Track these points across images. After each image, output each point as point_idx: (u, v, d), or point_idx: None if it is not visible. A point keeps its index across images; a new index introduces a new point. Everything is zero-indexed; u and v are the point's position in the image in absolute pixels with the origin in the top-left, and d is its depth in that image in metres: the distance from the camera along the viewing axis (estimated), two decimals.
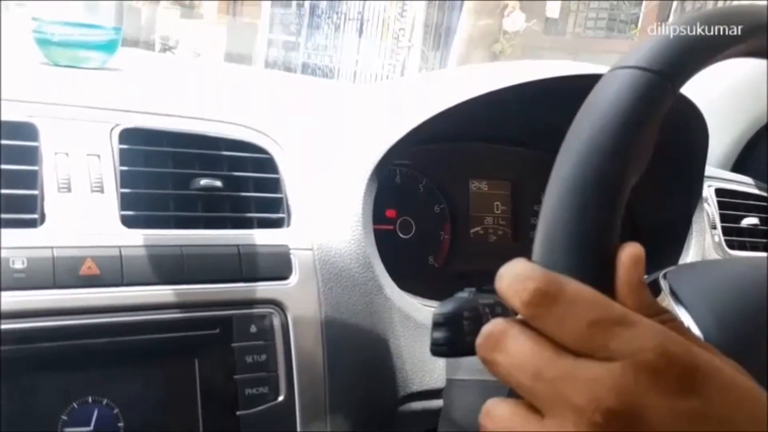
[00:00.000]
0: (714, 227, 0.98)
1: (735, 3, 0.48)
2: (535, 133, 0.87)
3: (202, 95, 0.77)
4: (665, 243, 0.91)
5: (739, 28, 0.42)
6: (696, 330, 0.46)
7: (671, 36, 0.41)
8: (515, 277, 0.33)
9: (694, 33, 0.41)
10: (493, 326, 0.34)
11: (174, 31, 9.18)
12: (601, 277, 0.34)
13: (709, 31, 0.41)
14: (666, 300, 0.51)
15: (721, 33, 0.42)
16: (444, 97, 0.75)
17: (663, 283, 0.51)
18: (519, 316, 0.33)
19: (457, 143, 0.92)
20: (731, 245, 0.99)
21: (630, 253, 0.34)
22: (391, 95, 0.91)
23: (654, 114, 0.37)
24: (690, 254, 0.91)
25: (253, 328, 0.61)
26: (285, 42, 9.29)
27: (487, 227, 0.94)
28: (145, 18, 9.44)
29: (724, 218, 0.99)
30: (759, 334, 0.46)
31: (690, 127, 0.84)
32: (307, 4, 8.82)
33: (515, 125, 0.91)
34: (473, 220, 0.93)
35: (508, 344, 0.33)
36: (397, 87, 1.00)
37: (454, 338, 0.47)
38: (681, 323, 0.38)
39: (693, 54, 0.40)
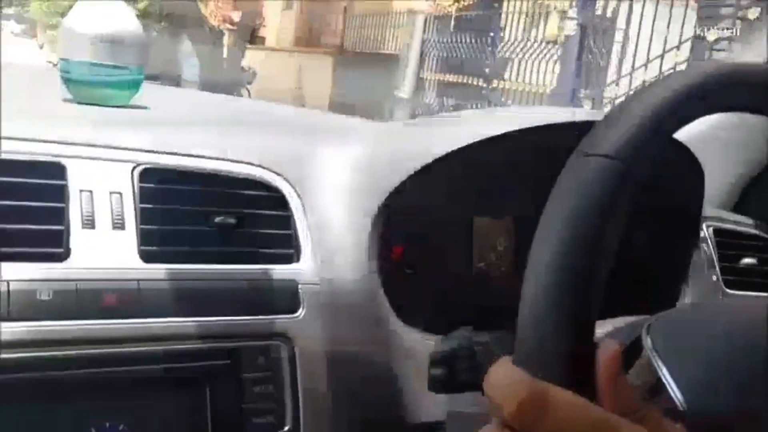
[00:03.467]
0: (712, 267, 1.00)
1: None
2: (539, 174, 0.90)
3: (221, 134, 0.81)
4: (664, 284, 0.94)
5: (702, 87, 0.43)
6: (678, 393, 0.47)
7: (636, 121, 0.41)
8: (503, 384, 0.35)
9: (652, 112, 0.42)
10: None
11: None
12: (583, 380, 0.36)
13: (667, 106, 0.42)
14: (649, 358, 0.52)
15: (677, 105, 0.43)
16: (447, 141, 0.79)
17: (645, 340, 0.52)
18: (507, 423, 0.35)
19: (462, 180, 0.95)
20: (729, 285, 1.01)
21: (607, 352, 0.36)
22: (400, 135, 0.94)
23: (620, 204, 0.37)
24: (689, 295, 0.93)
25: (262, 360, 0.64)
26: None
27: (490, 263, 0.97)
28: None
29: (722, 258, 1.02)
30: (733, 397, 0.47)
31: (685, 171, 0.86)
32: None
33: (520, 165, 0.94)
34: (476, 256, 0.96)
35: None
36: (407, 127, 1.04)
37: (450, 375, 0.50)
38: (659, 416, 0.40)
39: (656, 135, 0.41)
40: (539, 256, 0.37)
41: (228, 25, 10.81)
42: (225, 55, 10.81)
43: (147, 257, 0.63)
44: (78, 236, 0.61)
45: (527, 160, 0.89)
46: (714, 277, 0.99)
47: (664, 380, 0.48)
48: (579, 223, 0.37)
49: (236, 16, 10.76)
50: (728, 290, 1.00)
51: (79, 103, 0.88)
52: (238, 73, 9.67)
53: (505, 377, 0.35)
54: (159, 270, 0.63)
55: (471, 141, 0.78)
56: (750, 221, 1.13)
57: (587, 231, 0.36)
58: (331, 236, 0.73)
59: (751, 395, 0.47)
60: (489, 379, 0.36)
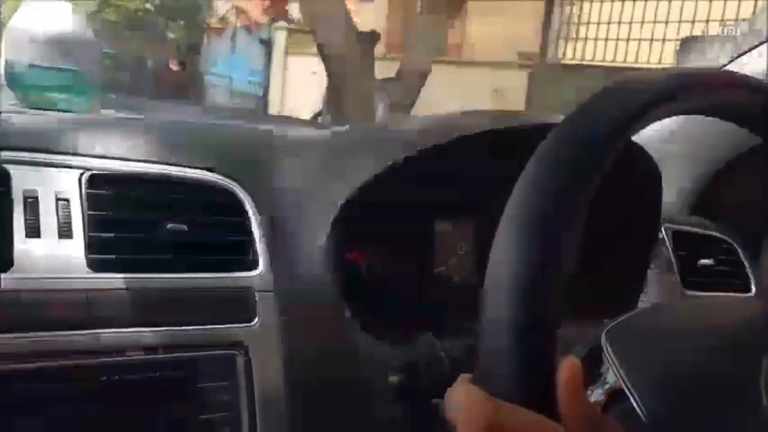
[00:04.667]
0: (671, 269, 1.01)
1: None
2: (500, 178, 0.90)
3: (175, 139, 0.79)
4: (623, 287, 0.94)
5: (665, 90, 0.44)
6: (637, 398, 0.47)
7: (597, 118, 0.41)
8: (464, 406, 0.35)
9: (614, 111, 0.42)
10: None
11: None
12: (545, 399, 0.36)
13: (635, 96, 0.43)
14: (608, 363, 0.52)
15: (646, 99, 0.43)
16: (411, 143, 0.78)
17: (604, 346, 0.52)
18: None
19: (422, 185, 0.94)
20: (688, 286, 1.02)
21: (567, 369, 0.36)
22: (360, 139, 0.93)
23: (577, 210, 0.37)
24: (648, 296, 0.94)
25: (217, 370, 0.62)
26: None
27: (452, 267, 0.97)
28: None
29: (681, 259, 1.03)
30: (693, 400, 0.47)
31: (643, 173, 0.87)
32: None
33: (481, 169, 0.94)
34: (438, 261, 0.95)
35: None
36: (365, 132, 1.02)
37: (411, 383, 0.49)
38: (618, 428, 0.40)
39: (621, 122, 0.41)
40: (495, 272, 0.37)
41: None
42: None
43: (96, 266, 0.61)
44: (22, 245, 0.59)
45: (488, 163, 0.89)
46: (673, 279, 1.00)
47: (623, 386, 0.48)
48: (532, 236, 0.36)
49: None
50: (687, 291, 1.01)
51: (27, 107, 0.85)
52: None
53: (465, 399, 0.35)
54: (109, 279, 0.61)
55: (429, 145, 0.77)
56: (707, 222, 1.14)
57: (542, 244, 0.36)
58: (289, 243, 0.71)
59: (709, 400, 0.47)
60: (449, 400, 0.36)
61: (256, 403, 0.63)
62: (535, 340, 0.36)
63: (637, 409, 0.46)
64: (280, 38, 10.33)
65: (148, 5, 9.49)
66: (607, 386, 0.50)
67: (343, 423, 0.67)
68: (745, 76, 0.49)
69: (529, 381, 0.36)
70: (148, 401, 0.60)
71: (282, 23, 9.88)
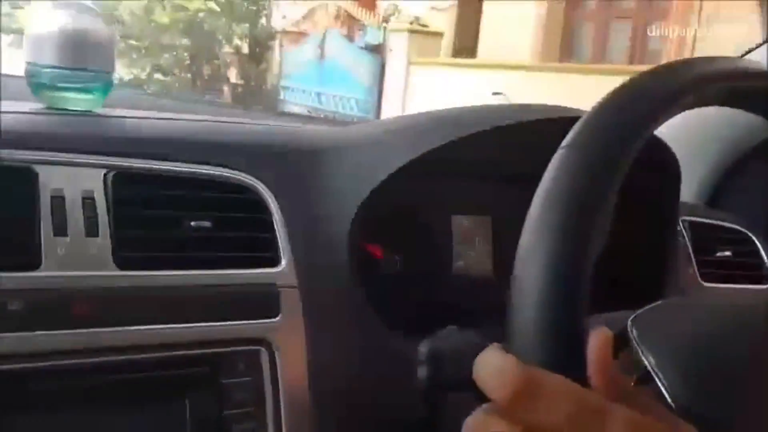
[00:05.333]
0: (689, 260, 1.01)
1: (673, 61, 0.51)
2: (515, 171, 0.90)
3: (196, 136, 0.79)
4: (642, 278, 0.94)
5: (677, 84, 0.45)
6: (664, 383, 0.48)
7: (619, 115, 0.42)
8: (493, 372, 0.35)
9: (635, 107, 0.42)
10: (475, 419, 0.36)
11: None
12: (575, 367, 0.36)
13: (651, 95, 0.43)
14: (636, 349, 0.52)
15: (662, 94, 0.44)
16: (426, 138, 0.78)
17: (631, 332, 0.53)
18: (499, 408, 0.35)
19: (439, 180, 0.95)
20: (705, 278, 1.02)
21: (598, 340, 0.37)
22: (378, 135, 0.93)
23: (608, 196, 0.38)
24: (667, 288, 0.94)
25: (242, 366, 0.63)
26: None
27: (470, 262, 0.97)
28: None
29: (698, 251, 1.03)
30: (723, 385, 0.47)
31: (661, 166, 0.87)
32: None
33: (496, 164, 0.94)
34: (456, 255, 0.96)
35: None
36: (385, 125, 1.03)
37: (436, 376, 0.50)
38: (652, 402, 0.40)
39: (638, 128, 0.42)
40: (529, 245, 0.38)
41: None
42: None
43: (122, 264, 0.62)
44: (50, 244, 0.60)
45: (505, 157, 0.89)
46: (690, 270, 1.00)
47: (651, 371, 0.49)
48: (566, 213, 0.37)
49: None
50: (704, 283, 1.01)
51: (49, 108, 0.86)
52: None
53: (496, 364, 0.35)
54: (134, 277, 0.61)
55: (449, 140, 0.77)
56: (724, 214, 1.14)
57: (576, 221, 0.37)
58: (311, 239, 0.72)
59: (736, 389, 0.47)
60: (479, 366, 0.36)
61: (281, 398, 0.63)
62: (566, 307, 0.36)
63: (664, 391, 0.47)
64: (397, 42, 8.48)
65: (212, 4, 8.78)
66: (632, 371, 0.51)
67: (369, 419, 0.68)
68: (755, 62, 0.49)
69: (559, 347, 0.36)
70: (173, 397, 0.61)
71: (401, 23, 8.32)
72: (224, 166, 0.71)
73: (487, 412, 0.35)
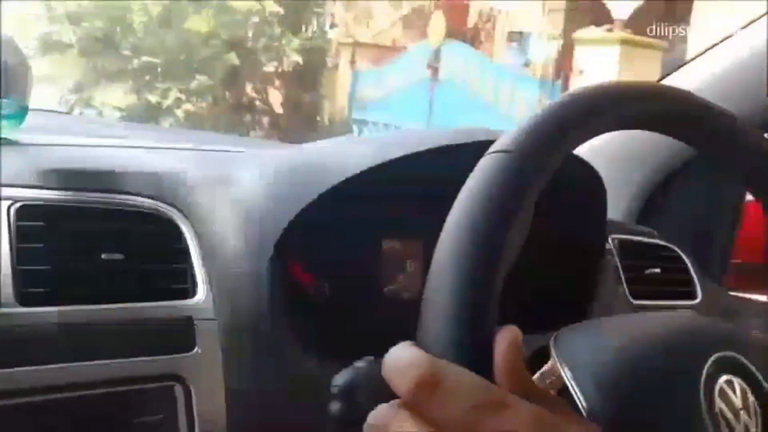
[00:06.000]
0: (618, 278, 1.02)
1: (608, 82, 0.53)
2: (445, 194, 0.90)
3: (106, 163, 0.77)
4: (571, 298, 0.94)
5: (602, 104, 0.46)
6: (580, 397, 0.48)
7: (541, 119, 0.44)
8: (400, 364, 0.35)
9: (560, 113, 0.44)
10: (378, 413, 0.36)
11: None
12: (481, 362, 0.36)
13: (573, 110, 0.45)
14: (554, 363, 0.53)
15: (584, 111, 0.45)
16: (354, 161, 0.78)
17: (552, 348, 0.53)
18: (402, 401, 0.35)
19: (369, 203, 0.94)
20: (635, 295, 1.03)
21: (506, 337, 0.37)
22: (305, 158, 0.92)
23: (523, 198, 0.40)
24: (595, 307, 0.94)
25: (155, 404, 0.60)
26: None
27: (401, 286, 0.96)
28: None
29: (627, 269, 1.04)
30: (637, 399, 0.48)
31: (586, 185, 0.88)
32: None
33: (426, 186, 0.94)
34: (386, 279, 0.95)
35: (394, 429, 0.35)
36: (312, 150, 1.02)
37: (348, 410, 0.48)
38: (558, 399, 0.40)
39: (557, 134, 0.43)
40: (444, 244, 0.39)
41: None
42: None
43: (25, 300, 0.59)
44: None
45: (434, 180, 0.89)
46: (620, 288, 1.01)
47: (569, 384, 0.49)
48: (481, 212, 0.39)
49: None
50: (634, 301, 1.02)
51: None
52: None
53: (403, 356, 0.36)
54: (38, 313, 0.59)
55: (376, 162, 0.77)
56: (652, 232, 1.16)
57: (489, 220, 0.38)
58: (229, 268, 0.70)
59: (642, 403, 0.48)
60: (387, 359, 0.36)
61: None
62: (475, 302, 0.37)
63: (580, 405, 0.47)
64: (595, 59, 5.70)
65: (269, 3, 6.66)
66: (548, 382, 0.51)
67: None
68: (673, 88, 0.51)
69: (464, 341, 0.36)
70: None
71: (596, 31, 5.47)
72: (138, 195, 0.69)
73: (391, 406, 0.35)
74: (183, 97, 6.82)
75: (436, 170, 0.85)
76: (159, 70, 6.91)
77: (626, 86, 0.49)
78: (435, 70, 6.57)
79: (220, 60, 6.79)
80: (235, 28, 6.83)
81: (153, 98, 6.98)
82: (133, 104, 6.97)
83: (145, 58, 6.87)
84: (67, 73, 7.07)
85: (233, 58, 6.75)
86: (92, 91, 7.04)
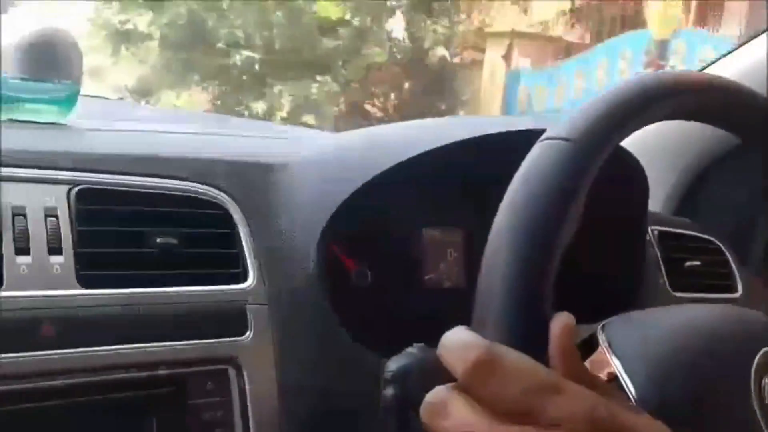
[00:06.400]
0: (659, 270, 1.02)
1: (663, 71, 0.53)
2: (486, 182, 0.90)
3: (161, 150, 0.78)
4: (613, 290, 0.94)
5: (656, 94, 0.46)
6: (630, 385, 0.49)
7: (597, 106, 0.44)
8: (457, 347, 0.36)
9: (616, 100, 0.44)
10: (435, 394, 0.36)
11: None
12: (536, 346, 0.37)
13: (630, 98, 0.45)
14: (604, 353, 0.53)
15: (639, 100, 0.45)
16: (397, 151, 0.78)
17: (600, 337, 0.54)
18: (459, 383, 0.36)
19: (410, 192, 0.95)
20: (675, 287, 1.03)
21: (561, 322, 0.38)
22: (348, 147, 0.93)
23: (580, 184, 0.41)
24: (637, 299, 0.94)
25: (210, 385, 0.62)
26: None
27: (442, 274, 0.97)
28: None
29: (668, 261, 1.03)
30: (688, 389, 0.48)
31: (629, 177, 0.88)
32: None
33: (467, 176, 0.94)
34: (427, 268, 0.95)
35: (451, 412, 0.35)
36: (355, 137, 1.02)
37: (402, 395, 0.49)
38: (611, 386, 0.41)
39: (614, 120, 0.44)
40: (500, 230, 0.39)
41: None
42: None
43: (86, 282, 0.61)
44: (11, 263, 0.58)
45: (477, 169, 0.89)
46: (660, 280, 1.01)
47: (618, 374, 0.50)
48: (537, 199, 0.39)
49: None
50: (674, 293, 1.02)
51: (12, 120, 0.84)
52: None
53: (459, 339, 0.36)
54: (99, 296, 0.60)
55: (420, 151, 0.77)
56: (692, 224, 1.15)
57: (546, 207, 0.39)
58: (279, 253, 0.71)
59: (692, 392, 0.48)
60: (444, 342, 0.37)
61: (249, 418, 0.62)
62: (532, 287, 0.38)
63: (629, 393, 0.48)
64: None
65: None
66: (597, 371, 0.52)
67: None
68: (722, 78, 0.50)
69: (521, 325, 0.37)
70: (140, 419, 0.60)
71: None
72: (191, 181, 0.70)
73: (447, 388, 0.36)
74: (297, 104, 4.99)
75: (482, 159, 0.86)
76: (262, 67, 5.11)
77: (681, 75, 0.49)
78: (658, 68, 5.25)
79: (353, 55, 5.02)
80: (370, 11, 5.02)
81: (258, 107, 5.29)
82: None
83: (246, 53, 5.13)
84: (139, 69, 5.66)
85: (372, 54, 4.98)
86: (172, 94, 5.46)
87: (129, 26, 5.40)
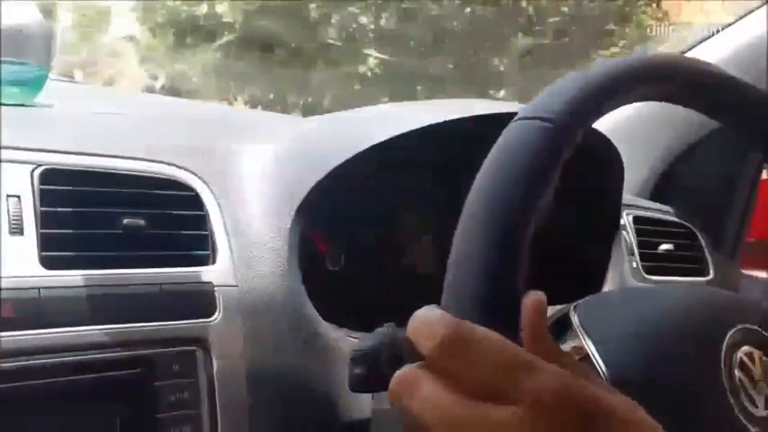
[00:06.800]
0: (632, 254, 1.02)
1: (636, 53, 0.53)
2: (460, 166, 0.90)
3: (130, 131, 0.77)
4: (587, 271, 0.95)
5: (636, 74, 0.46)
6: (601, 364, 0.48)
7: (568, 84, 0.43)
8: (425, 324, 0.36)
9: (590, 81, 0.44)
10: (403, 373, 0.36)
11: None
12: (507, 324, 0.37)
13: (605, 77, 0.44)
14: (575, 333, 0.53)
15: (617, 79, 0.45)
16: (372, 133, 0.78)
17: (572, 317, 0.54)
18: (427, 361, 0.35)
19: (385, 177, 0.94)
20: (648, 271, 1.03)
21: (532, 301, 0.37)
22: (322, 129, 0.92)
23: (552, 163, 0.40)
24: (609, 281, 0.94)
25: (176, 367, 0.61)
26: None
27: (415, 258, 0.96)
28: None
29: (641, 245, 1.04)
30: (659, 368, 0.48)
31: (605, 161, 0.88)
32: None
33: (442, 160, 0.94)
34: (402, 253, 0.95)
35: (418, 390, 0.35)
36: (328, 120, 1.02)
37: (371, 374, 0.49)
38: (582, 365, 0.41)
39: (589, 101, 0.43)
40: (472, 208, 0.39)
41: None
42: None
43: (49, 264, 0.59)
44: None
45: (450, 152, 0.89)
46: (634, 264, 1.01)
47: (589, 352, 0.50)
48: (508, 177, 0.39)
49: None
50: (647, 276, 1.02)
51: None
52: None
53: (428, 317, 0.36)
54: (62, 277, 0.59)
55: (392, 134, 0.77)
56: (667, 208, 1.15)
57: (516, 184, 0.38)
58: (250, 235, 0.70)
59: (664, 370, 0.48)
60: (413, 320, 0.37)
61: (217, 399, 0.62)
62: (503, 264, 0.37)
63: (601, 372, 0.48)
64: None
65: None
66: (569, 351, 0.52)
67: (308, 418, 0.67)
68: (701, 61, 0.50)
69: (492, 301, 0.37)
70: (103, 401, 0.59)
71: None
72: (159, 162, 0.69)
73: (416, 366, 0.36)
74: None
75: (451, 142, 0.86)
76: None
77: (657, 58, 0.49)
78: None
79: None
80: None
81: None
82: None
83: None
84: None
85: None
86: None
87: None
